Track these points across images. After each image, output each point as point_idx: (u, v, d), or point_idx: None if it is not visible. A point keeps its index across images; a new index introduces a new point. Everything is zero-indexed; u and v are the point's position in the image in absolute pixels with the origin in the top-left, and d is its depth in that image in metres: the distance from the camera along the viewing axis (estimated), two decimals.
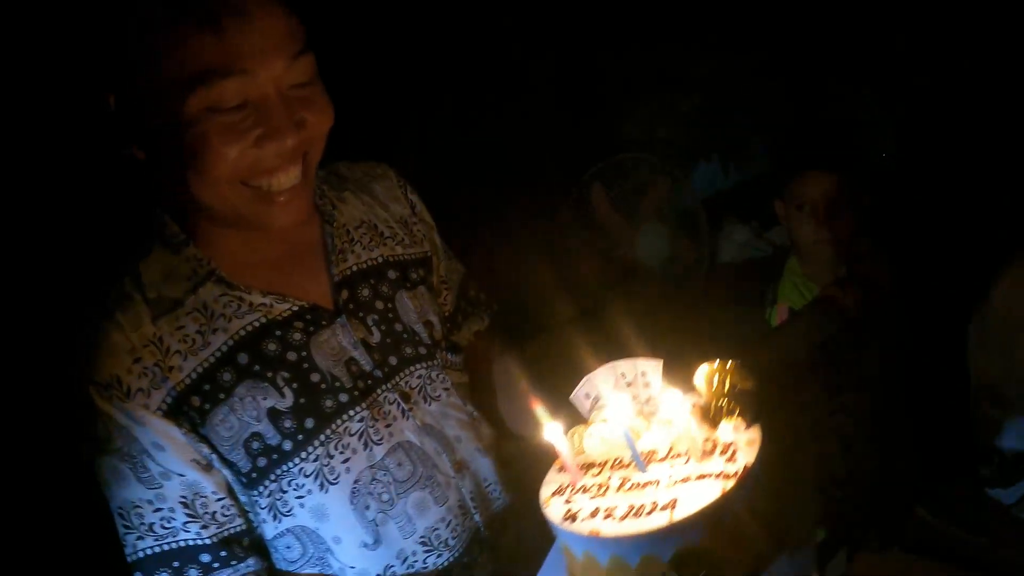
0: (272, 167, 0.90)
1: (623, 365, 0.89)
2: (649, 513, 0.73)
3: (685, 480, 0.76)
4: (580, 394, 0.91)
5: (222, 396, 0.96)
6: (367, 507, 1.02)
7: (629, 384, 0.88)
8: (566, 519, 0.78)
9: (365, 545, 1.03)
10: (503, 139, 1.25)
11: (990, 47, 2.19)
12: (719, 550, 0.72)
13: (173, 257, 0.99)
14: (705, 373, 0.82)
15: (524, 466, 1.07)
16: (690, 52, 2.56)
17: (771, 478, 0.78)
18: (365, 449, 1.01)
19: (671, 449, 0.82)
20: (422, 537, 1.05)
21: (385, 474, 1.02)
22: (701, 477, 0.75)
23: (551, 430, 0.85)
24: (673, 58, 2.58)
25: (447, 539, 1.06)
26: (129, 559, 0.99)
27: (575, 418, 0.92)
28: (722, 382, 0.80)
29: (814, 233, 1.82)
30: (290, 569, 1.04)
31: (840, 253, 1.84)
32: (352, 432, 1.00)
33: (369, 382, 1.02)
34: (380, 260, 1.09)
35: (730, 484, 0.72)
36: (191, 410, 0.95)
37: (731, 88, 2.50)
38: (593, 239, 2.31)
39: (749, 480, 0.73)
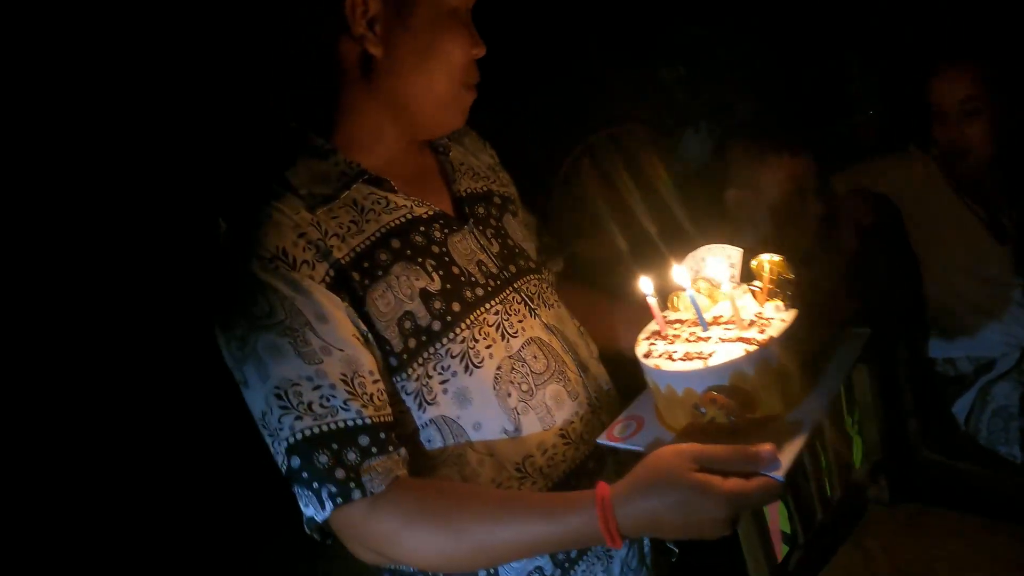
0: (474, 73, 1.07)
1: (715, 248, 1.09)
2: (694, 359, 0.98)
3: (726, 341, 0.98)
4: (682, 268, 1.11)
5: (380, 273, 1.02)
6: (509, 394, 1.07)
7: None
8: (644, 356, 1.05)
9: (506, 432, 1.06)
10: (488, 126, 1.32)
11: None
12: (738, 396, 0.94)
13: (321, 163, 1.04)
14: (757, 262, 1.01)
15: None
16: (672, 21, 2.51)
17: (791, 356, 0.97)
18: (503, 340, 1.09)
19: (731, 318, 1.04)
20: (561, 430, 1.10)
21: (523, 365, 1.09)
22: (738, 340, 0.97)
23: (644, 284, 1.06)
24: (654, 27, 2.53)
25: (582, 433, 1.13)
26: (286, 443, 0.95)
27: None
28: (770, 271, 1.00)
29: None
30: (428, 466, 1.05)
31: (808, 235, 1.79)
32: (490, 323, 1.08)
33: (498, 282, 1.12)
34: (485, 189, 1.22)
35: (752, 348, 0.94)
36: (353, 284, 0.99)
37: (714, 55, 2.44)
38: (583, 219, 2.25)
39: (766, 350, 0.94)
